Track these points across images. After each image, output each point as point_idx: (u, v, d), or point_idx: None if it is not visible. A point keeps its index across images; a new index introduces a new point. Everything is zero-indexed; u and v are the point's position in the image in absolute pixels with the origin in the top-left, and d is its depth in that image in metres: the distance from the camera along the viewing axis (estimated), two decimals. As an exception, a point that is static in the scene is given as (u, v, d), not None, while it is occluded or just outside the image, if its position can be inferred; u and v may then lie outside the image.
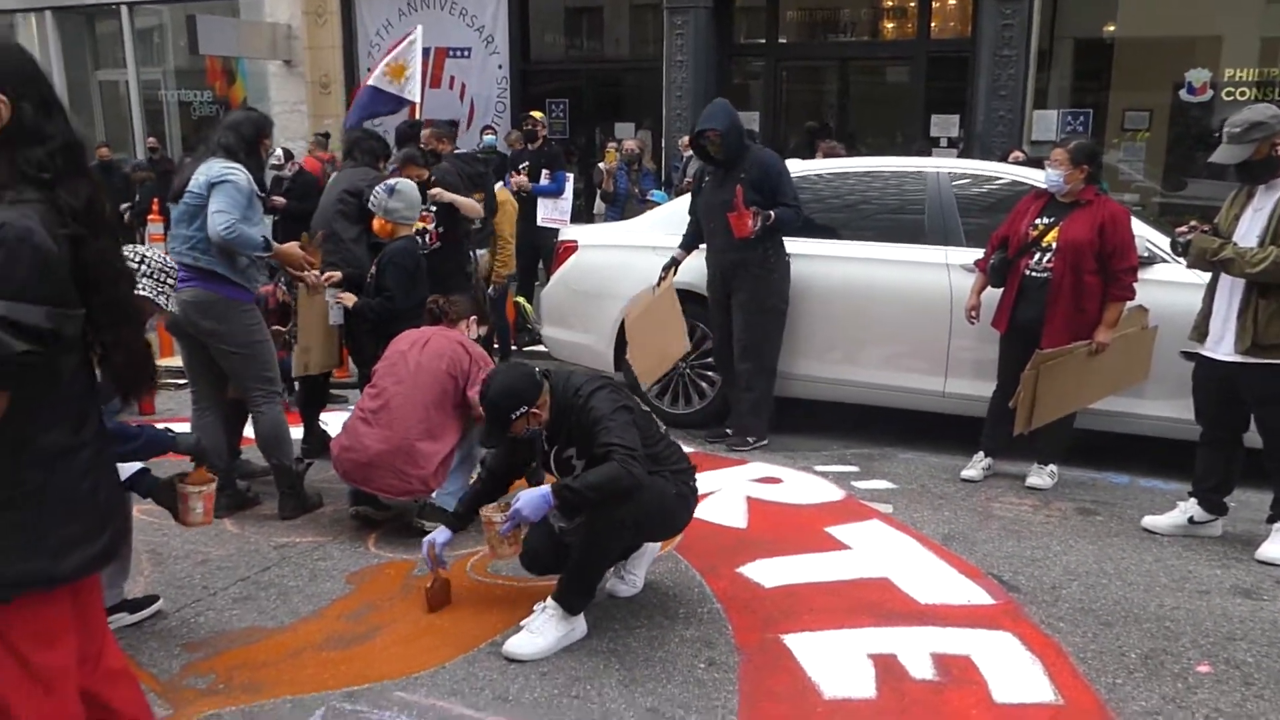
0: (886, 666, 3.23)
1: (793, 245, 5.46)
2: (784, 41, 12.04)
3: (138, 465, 3.29)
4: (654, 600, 3.70)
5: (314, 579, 3.90)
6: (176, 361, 5.02)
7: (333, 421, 5.62)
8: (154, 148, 13.56)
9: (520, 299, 8.11)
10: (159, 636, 3.42)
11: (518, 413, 3.33)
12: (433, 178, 5.79)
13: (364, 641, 3.41)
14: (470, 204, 5.93)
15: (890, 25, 12.01)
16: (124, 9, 14.89)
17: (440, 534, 3.56)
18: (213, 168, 4.17)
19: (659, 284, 5.54)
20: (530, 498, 3.25)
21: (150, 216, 8.35)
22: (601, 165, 10.01)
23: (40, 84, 1.90)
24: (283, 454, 4.46)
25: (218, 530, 4.35)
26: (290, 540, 4.27)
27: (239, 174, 4.17)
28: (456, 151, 7.16)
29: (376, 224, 5.08)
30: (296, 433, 5.06)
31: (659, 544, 3.83)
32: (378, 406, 4.20)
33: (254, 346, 4.32)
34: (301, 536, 4.31)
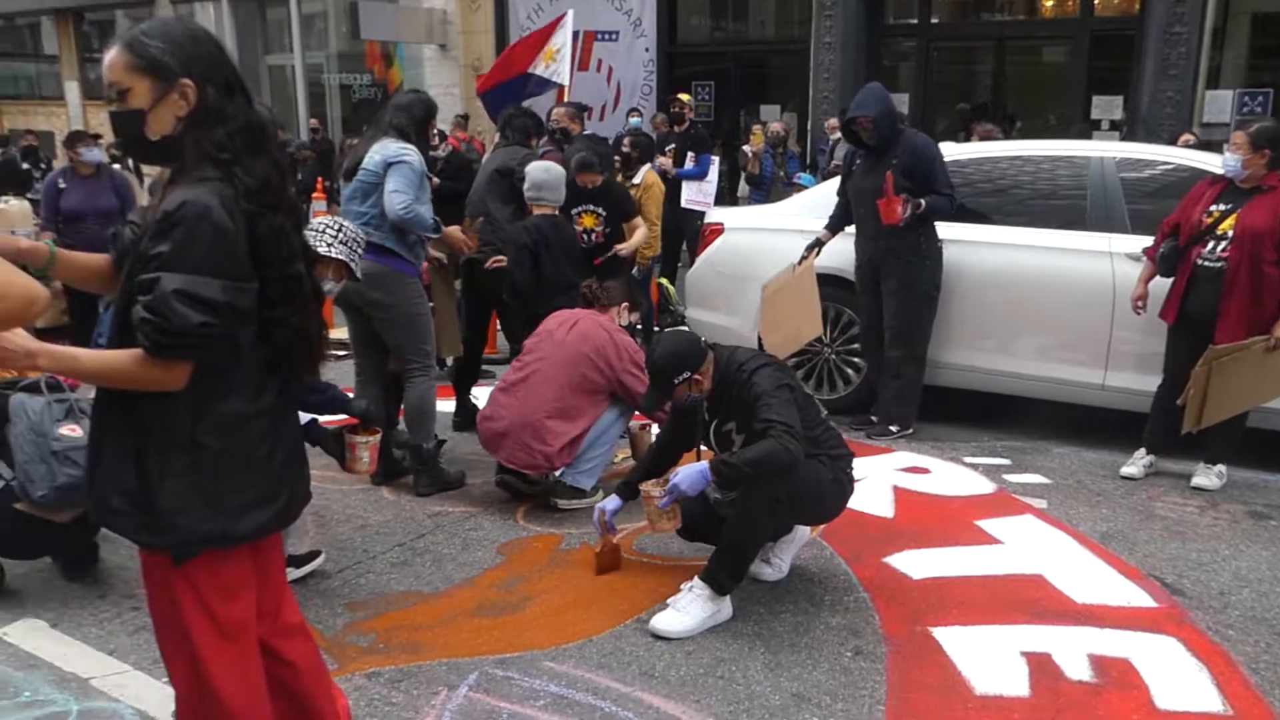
0: (1040, 665, 3.14)
1: (946, 230, 5.32)
2: (936, 21, 11.72)
3: (309, 416, 3.47)
4: (799, 586, 3.69)
5: (466, 548, 4.04)
6: (341, 334, 5.24)
7: (482, 396, 5.80)
8: (315, 129, 14.17)
9: (663, 280, 8.16)
10: (323, 595, 3.60)
11: (681, 377, 3.38)
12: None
13: (514, 611, 3.52)
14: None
15: (1050, 3, 11.54)
16: (293, -5, 15.59)
17: (611, 502, 3.66)
18: (388, 148, 4.32)
19: (800, 262, 5.49)
20: (688, 473, 3.27)
21: (314, 195, 8.73)
22: (746, 148, 9.96)
23: (225, 68, 1.99)
24: (422, 431, 4.61)
25: (376, 497, 4.55)
26: (444, 509, 4.43)
27: (413, 155, 4.33)
28: (585, 133, 7.27)
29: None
30: (449, 406, 5.24)
31: (809, 529, 3.82)
32: (518, 379, 4.37)
33: (416, 319, 4.48)
34: (454, 506, 4.47)
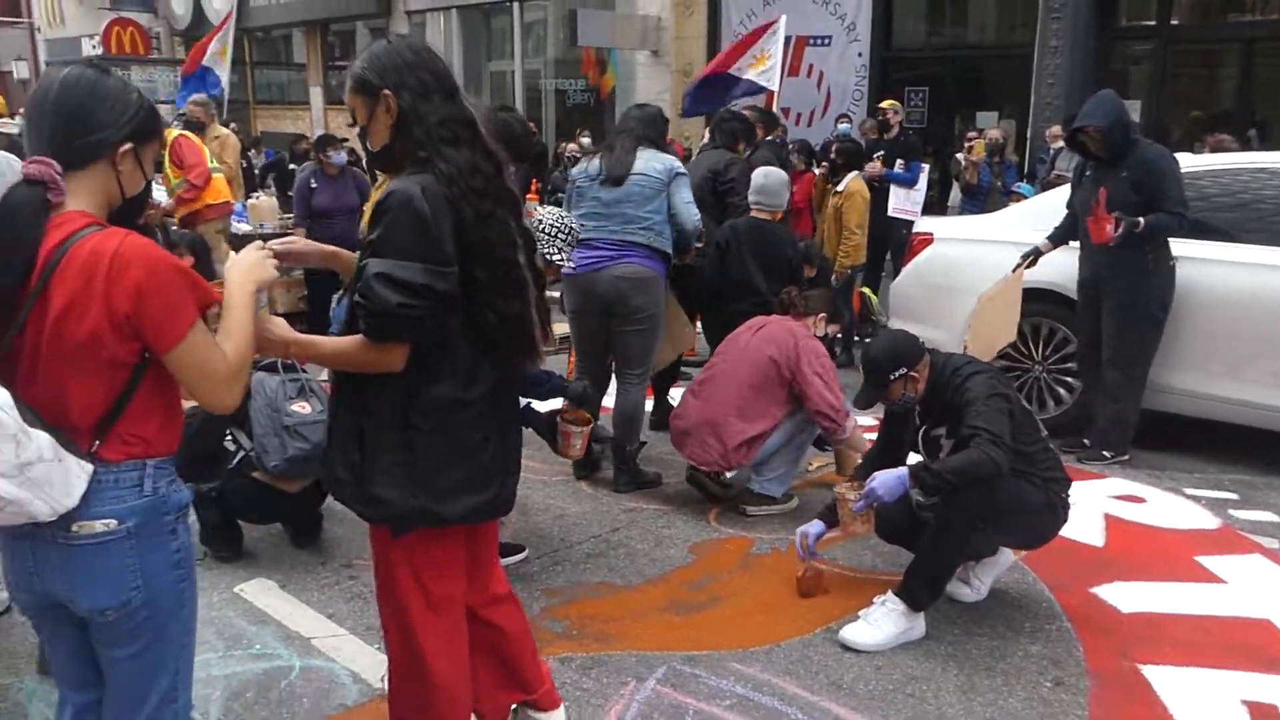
0: (1265, 717, 2.91)
1: (1179, 248, 4.99)
2: (1176, 23, 10.97)
3: (524, 401, 3.65)
4: (997, 610, 3.56)
5: (659, 544, 4.12)
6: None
7: (677, 396, 5.88)
8: (532, 133, 14.69)
9: (866, 290, 8.02)
10: (523, 579, 3.76)
11: (897, 374, 3.35)
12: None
13: (703, 610, 3.56)
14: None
15: (1309, 2, 10.58)
16: (516, 5, 16.25)
17: (813, 526, 3.59)
18: (661, 158, 4.56)
19: (1015, 269, 5.29)
20: (886, 478, 3.18)
21: (529, 195, 9.10)
22: (960, 156, 9.64)
23: (417, 70, 2.11)
24: (630, 434, 4.72)
25: (574, 489, 4.70)
26: (638, 506, 4.53)
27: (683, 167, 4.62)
28: (768, 139, 7.38)
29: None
30: (646, 405, 5.35)
31: (1012, 553, 3.68)
32: (705, 379, 4.50)
33: (657, 321, 4.67)
34: (648, 503, 4.56)
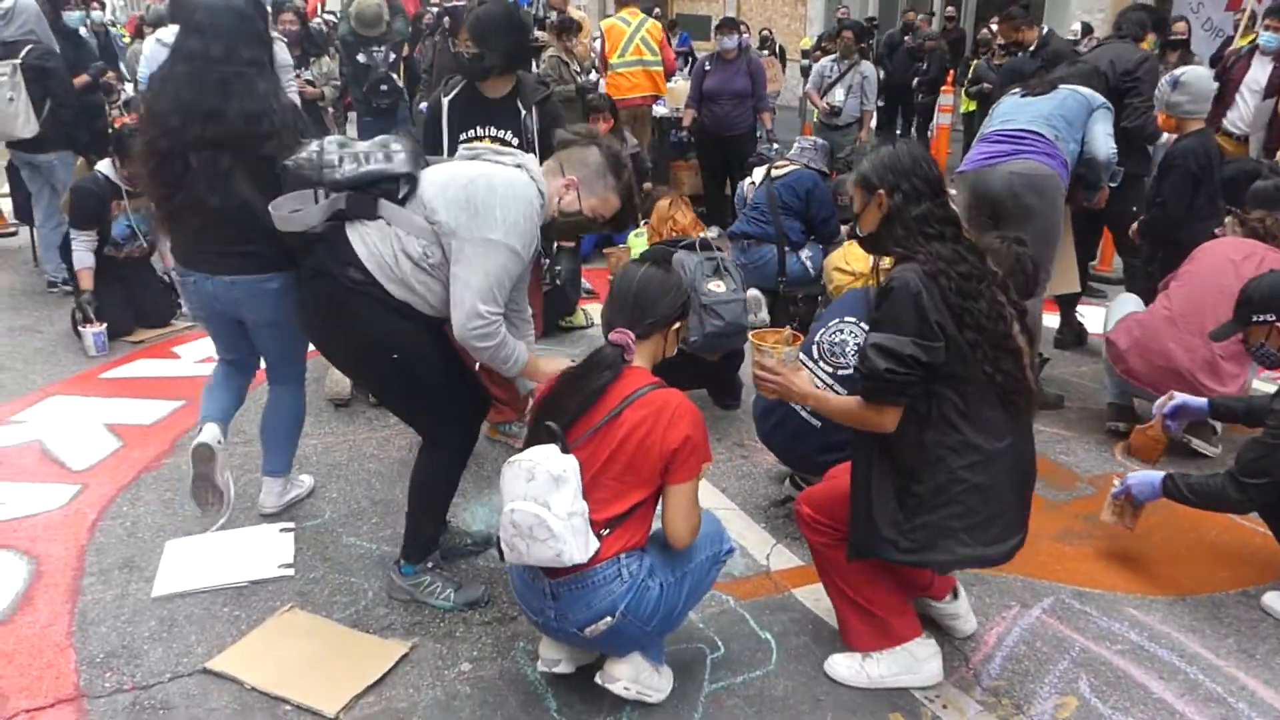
0: None
1: None
2: None
3: None
4: None
5: (1053, 472, 3.92)
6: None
7: (1089, 314, 5.50)
8: (950, 17, 13.86)
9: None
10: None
11: (1263, 317, 3.13)
12: None
13: (1098, 546, 3.39)
14: None
15: None
16: None
17: (1190, 399, 3.43)
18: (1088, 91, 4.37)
19: None
20: (1141, 478, 3.16)
21: (943, 88, 8.65)
22: None
23: (911, 176, 2.40)
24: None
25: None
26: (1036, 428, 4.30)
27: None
28: None
29: (1160, 119, 4.72)
30: (1050, 320, 5.06)
31: None
32: (1190, 310, 3.93)
33: (1051, 231, 4.38)
34: (1047, 426, 4.33)
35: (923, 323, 2.24)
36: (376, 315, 2.64)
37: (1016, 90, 4.55)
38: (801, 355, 2.98)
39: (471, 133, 3.71)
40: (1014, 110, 4.41)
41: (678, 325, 2.50)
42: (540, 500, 2.21)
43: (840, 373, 3.13)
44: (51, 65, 5.81)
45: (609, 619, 2.32)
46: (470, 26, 3.64)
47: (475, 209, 2.56)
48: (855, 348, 3.12)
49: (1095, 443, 4.21)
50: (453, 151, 3.56)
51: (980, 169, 4.32)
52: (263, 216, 2.71)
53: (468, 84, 3.74)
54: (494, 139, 3.64)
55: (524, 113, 3.70)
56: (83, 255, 5.13)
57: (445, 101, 3.75)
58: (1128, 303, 4.42)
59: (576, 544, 2.23)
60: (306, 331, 2.93)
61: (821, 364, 3.18)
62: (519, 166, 2.70)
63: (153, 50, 5.87)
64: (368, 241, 2.62)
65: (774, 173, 5.37)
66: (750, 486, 3.76)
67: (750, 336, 2.75)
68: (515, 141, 3.66)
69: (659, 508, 2.41)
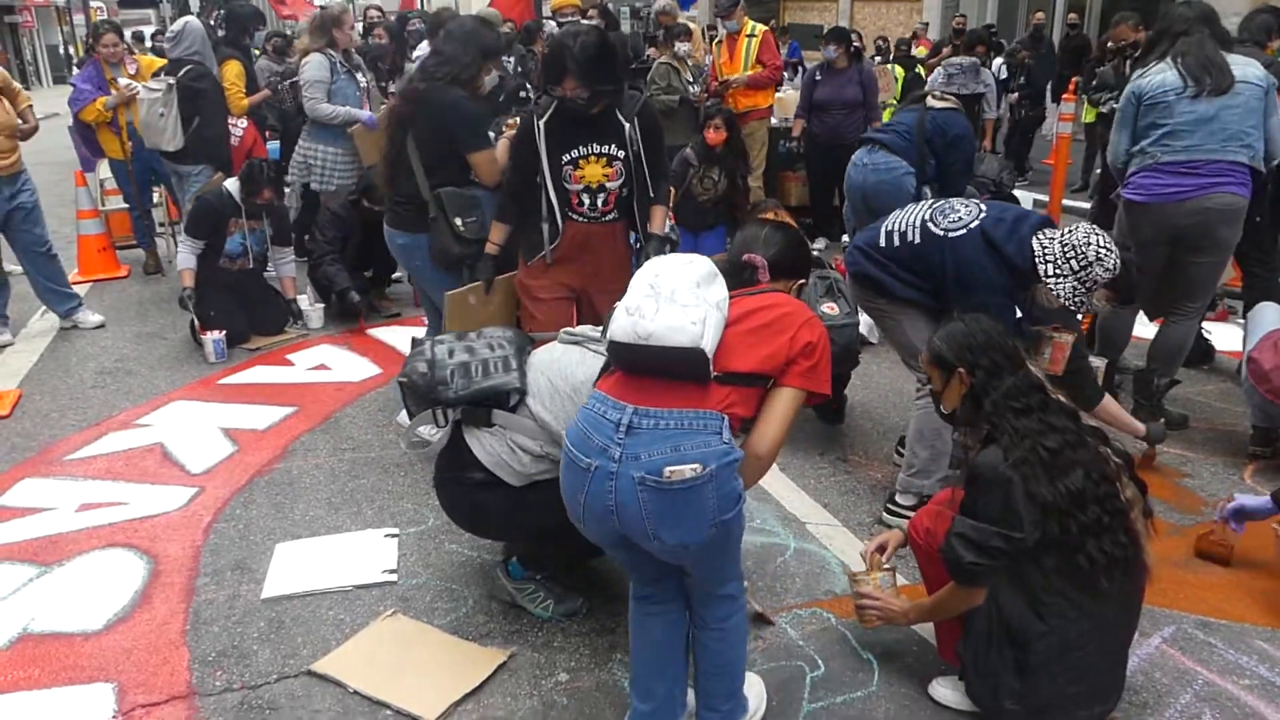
0: None
1: None
2: None
3: None
4: None
5: (1176, 494, 3.75)
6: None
7: (1217, 330, 5.26)
8: (1074, 24, 13.27)
9: None
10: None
11: None
12: None
13: (1224, 574, 3.21)
14: None
15: None
16: None
17: (1253, 500, 3.23)
18: (1258, 65, 4.02)
19: None
20: (1255, 502, 3.14)
21: (1066, 96, 8.36)
22: None
23: (990, 351, 2.43)
24: (1169, 368, 4.31)
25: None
26: (1162, 449, 4.08)
27: None
28: None
29: None
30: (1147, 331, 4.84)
31: None
32: None
33: (1232, 251, 4.27)
34: (1169, 446, 4.11)
35: (1008, 511, 2.25)
36: (508, 502, 2.72)
37: (1180, 89, 3.97)
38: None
39: (575, 152, 3.56)
40: (1194, 125, 3.93)
41: (801, 283, 2.53)
42: (694, 279, 2.10)
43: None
44: (203, 86, 6.28)
45: (698, 466, 2.00)
46: (578, 75, 3.40)
47: None
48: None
49: (1222, 465, 3.99)
50: (555, 173, 3.57)
51: (1168, 202, 4.00)
52: None
53: (560, 102, 3.52)
54: (599, 156, 3.60)
55: (626, 126, 3.59)
56: (185, 258, 5.48)
57: (541, 125, 3.57)
58: (1270, 316, 4.09)
59: (711, 334, 2.06)
60: (460, 525, 3.03)
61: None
62: None
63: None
64: (483, 443, 2.72)
65: (931, 102, 5.16)
66: (853, 502, 3.69)
67: (847, 575, 2.85)
68: (621, 155, 3.61)
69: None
